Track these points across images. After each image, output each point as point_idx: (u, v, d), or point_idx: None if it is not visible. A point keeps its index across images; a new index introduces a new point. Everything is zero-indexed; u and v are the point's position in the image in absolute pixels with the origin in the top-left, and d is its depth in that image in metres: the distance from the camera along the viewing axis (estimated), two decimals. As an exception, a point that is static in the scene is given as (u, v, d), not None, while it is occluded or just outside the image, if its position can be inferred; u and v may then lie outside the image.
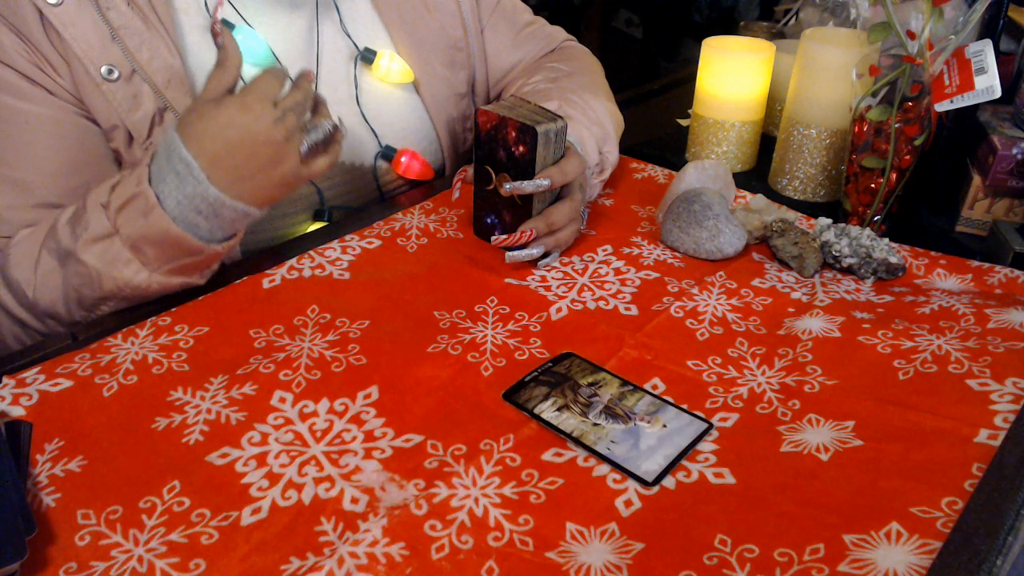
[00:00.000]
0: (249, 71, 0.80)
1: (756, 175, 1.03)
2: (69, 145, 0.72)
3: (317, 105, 0.68)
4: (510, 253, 0.75)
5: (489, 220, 0.79)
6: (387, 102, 0.90)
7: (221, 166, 0.63)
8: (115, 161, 0.76)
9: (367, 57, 0.88)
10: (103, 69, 0.70)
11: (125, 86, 0.72)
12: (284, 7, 0.83)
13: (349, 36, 0.88)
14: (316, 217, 0.87)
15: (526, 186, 0.72)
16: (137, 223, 0.64)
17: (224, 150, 0.63)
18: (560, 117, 0.74)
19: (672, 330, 0.68)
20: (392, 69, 0.89)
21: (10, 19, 0.68)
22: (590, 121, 0.86)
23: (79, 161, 0.73)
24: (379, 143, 0.89)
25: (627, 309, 0.71)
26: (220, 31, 0.70)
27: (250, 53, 0.79)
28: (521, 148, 0.72)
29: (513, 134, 0.72)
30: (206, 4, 0.78)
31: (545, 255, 0.77)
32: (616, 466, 0.54)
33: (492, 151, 0.75)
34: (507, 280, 0.75)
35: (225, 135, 0.63)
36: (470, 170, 0.80)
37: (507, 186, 0.73)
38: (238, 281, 0.74)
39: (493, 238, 0.76)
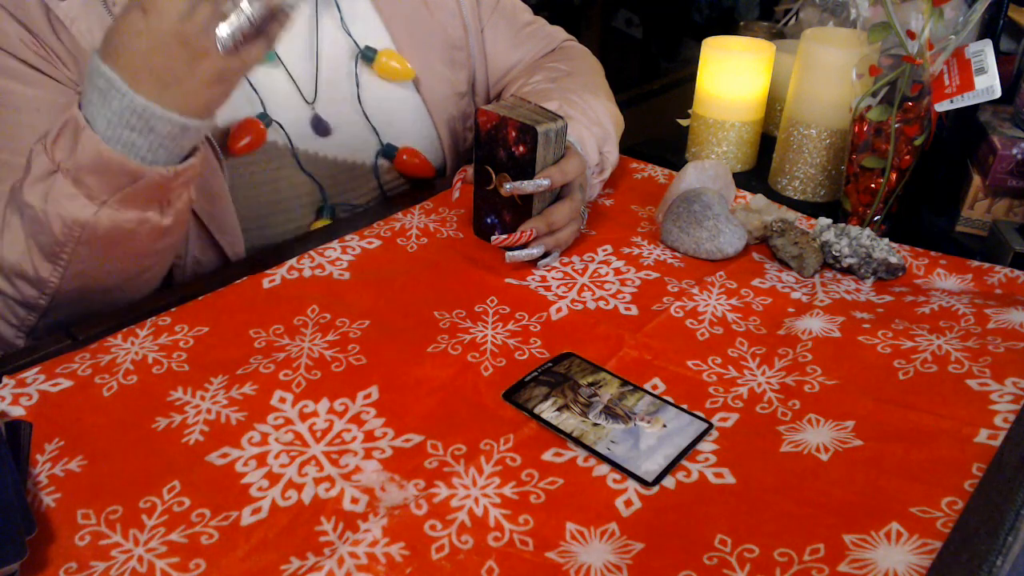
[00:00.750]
0: (255, 69, 0.80)
1: (756, 175, 1.03)
2: None
3: None
4: (510, 253, 0.75)
5: (489, 220, 0.79)
6: (388, 100, 0.90)
7: (141, 75, 0.59)
8: None
9: (368, 55, 0.88)
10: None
11: None
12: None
13: (350, 34, 0.88)
14: (318, 215, 0.87)
15: (526, 186, 0.72)
16: (71, 151, 0.60)
17: (140, 58, 0.59)
18: (560, 117, 0.74)
19: (672, 330, 0.68)
20: (392, 67, 0.89)
21: (15, 12, 0.68)
22: (590, 121, 0.86)
23: None
24: (380, 141, 0.90)
25: (627, 309, 0.71)
26: None
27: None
28: (521, 148, 0.72)
29: (513, 134, 0.72)
30: None
31: (545, 255, 0.77)
32: (616, 466, 0.54)
33: (492, 151, 0.75)
34: (507, 280, 0.75)
35: (136, 43, 0.59)
36: (470, 170, 0.80)
37: (507, 186, 0.73)
38: (238, 281, 0.74)
39: (493, 238, 0.76)
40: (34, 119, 0.70)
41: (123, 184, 0.62)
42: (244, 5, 0.59)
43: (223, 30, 0.59)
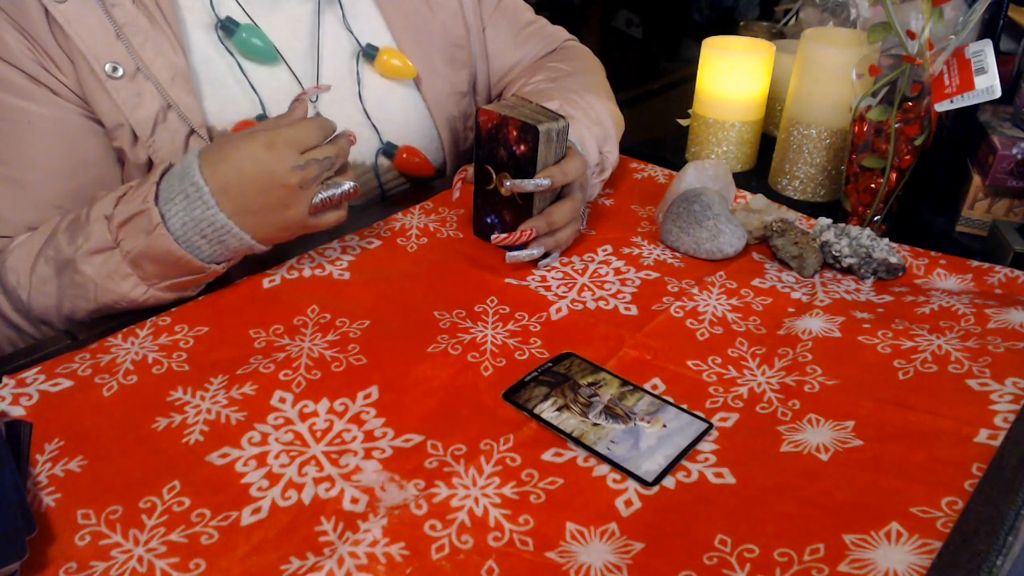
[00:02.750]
0: (253, 67, 0.80)
1: (756, 175, 1.03)
2: (71, 146, 0.72)
3: (345, 166, 0.70)
4: (510, 253, 0.75)
5: (489, 220, 0.79)
6: (388, 99, 0.90)
7: (231, 195, 0.64)
8: (118, 161, 0.76)
9: (369, 53, 0.88)
10: (107, 66, 0.71)
11: (129, 84, 0.72)
12: (288, 3, 0.83)
13: (352, 32, 0.88)
14: None
15: (527, 185, 0.72)
16: (139, 240, 0.64)
17: (237, 181, 0.64)
18: (562, 117, 0.74)
19: (672, 330, 0.68)
20: (394, 66, 0.89)
21: (14, 16, 0.68)
22: (591, 121, 0.86)
23: (81, 162, 0.73)
24: (380, 139, 0.90)
25: (627, 309, 0.71)
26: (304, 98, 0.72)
27: (253, 48, 0.79)
28: (522, 147, 0.72)
29: (514, 133, 0.72)
30: (211, 1, 0.78)
31: (545, 255, 0.77)
32: (616, 466, 0.54)
33: (493, 150, 0.75)
34: (507, 280, 0.75)
35: (242, 167, 0.64)
36: (470, 169, 0.80)
37: (507, 184, 0.73)
38: (238, 281, 0.74)
39: (493, 237, 0.76)
40: (34, 136, 0.70)
41: (179, 274, 0.67)
42: (345, 182, 0.69)
43: (320, 194, 0.68)
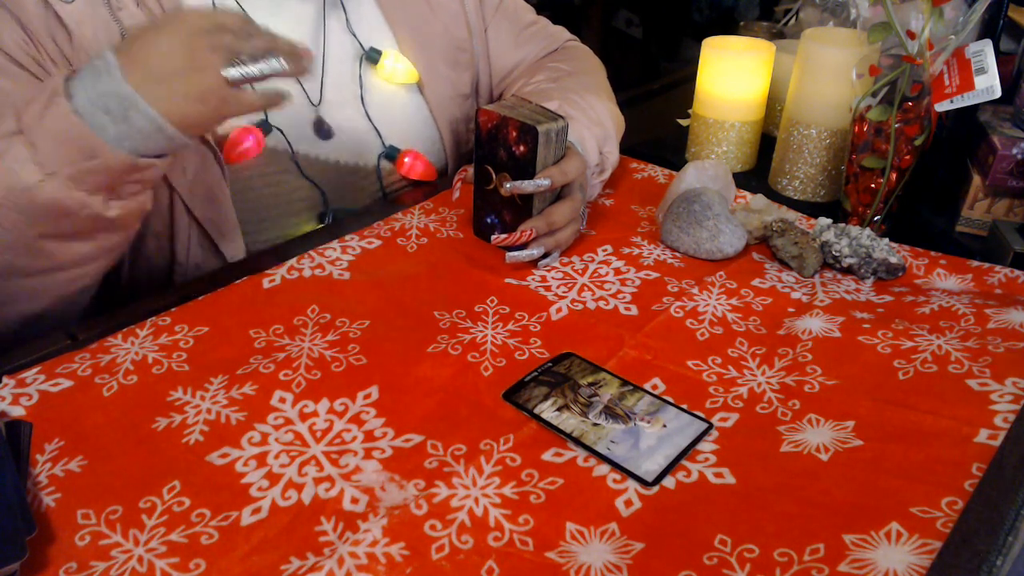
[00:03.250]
0: None
1: (756, 175, 1.03)
2: None
3: (286, 56, 0.63)
4: (510, 253, 0.75)
5: (489, 220, 0.79)
6: (391, 102, 0.90)
7: (137, 66, 0.59)
8: None
9: (372, 57, 0.88)
10: None
11: None
12: (290, 5, 0.83)
13: (355, 35, 0.88)
14: (320, 220, 0.87)
15: (526, 186, 0.72)
16: (40, 115, 0.59)
17: (142, 52, 0.60)
18: (561, 117, 0.74)
19: (672, 330, 0.68)
20: (397, 69, 0.89)
21: (15, 12, 0.67)
22: (591, 121, 0.86)
23: None
24: (383, 143, 0.90)
25: (627, 309, 0.71)
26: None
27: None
28: (522, 148, 0.72)
29: (514, 134, 0.72)
30: (214, 4, 0.78)
31: (545, 255, 0.77)
32: (616, 466, 0.54)
33: (493, 151, 0.75)
34: (507, 280, 0.75)
35: (148, 36, 0.60)
36: (470, 170, 0.80)
37: (507, 185, 0.73)
38: (238, 281, 0.74)
39: (493, 238, 0.76)
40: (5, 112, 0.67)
41: (78, 159, 0.60)
42: (265, 64, 0.62)
43: (232, 71, 0.61)
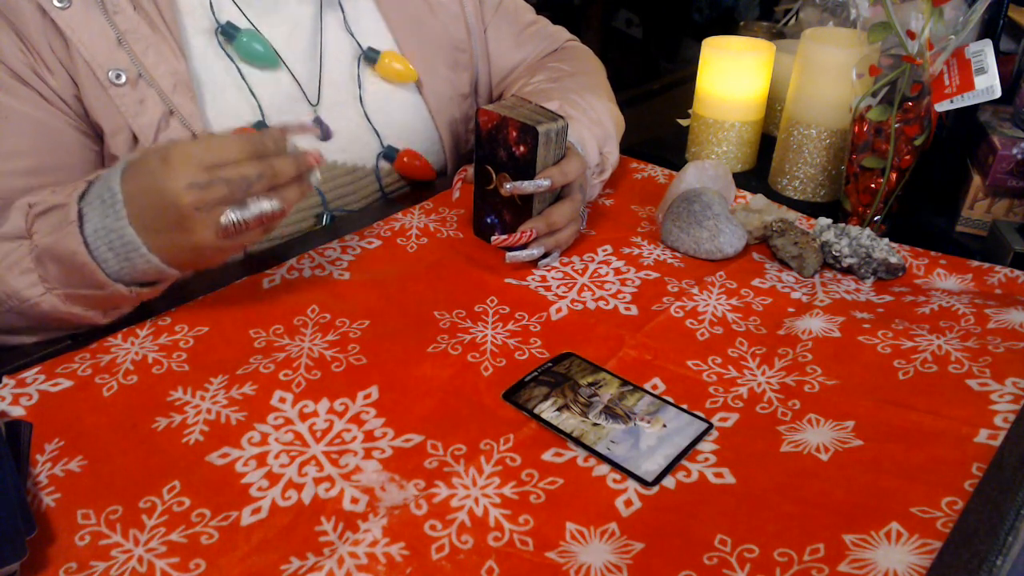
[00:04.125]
0: (253, 72, 0.80)
1: (756, 175, 1.03)
2: (44, 147, 0.70)
3: (284, 184, 0.62)
4: (510, 253, 0.75)
5: (489, 220, 0.79)
6: (390, 102, 0.90)
7: (135, 209, 0.59)
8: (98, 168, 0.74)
9: (371, 57, 0.88)
10: (110, 74, 0.70)
11: (132, 91, 0.72)
12: (288, 6, 0.83)
13: (353, 35, 0.88)
14: (318, 221, 0.87)
15: (526, 186, 0.72)
16: (49, 234, 0.60)
17: (139, 195, 0.59)
18: (561, 117, 0.74)
19: (672, 330, 0.68)
20: (395, 69, 0.89)
21: (10, 18, 0.67)
22: (591, 121, 0.86)
23: (48, 165, 0.70)
24: (381, 143, 0.89)
25: (627, 309, 0.71)
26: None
27: (254, 53, 0.79)
28: (522, 148, 0.72)
29: (514, 134, 0.72)
30: (211, 6, 0.78)
31: (545, 255, 0.77)
32: (616, 466, 0.54)
33: (493, 151, 0.75)
34: (507, 280, 0.75)
35: (141, 180, 0.59)
36: (470, 170, 0.80)
37: (507, 186, 0.73)
38: (238, 281, 0.74)
39: (493, 238, 0.76)
40: (11, 128, 0.69)
41: (81, 284, 0.62)
42: (264, 202, 0.60)
43: (228, 216, 0.59)
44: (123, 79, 0.71)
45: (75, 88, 0.71)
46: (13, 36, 0.68)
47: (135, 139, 0.73)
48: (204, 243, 0.60)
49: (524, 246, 0.75)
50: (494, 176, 0.76)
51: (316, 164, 0.64)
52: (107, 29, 0.70)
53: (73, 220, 0.59)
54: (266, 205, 0.61)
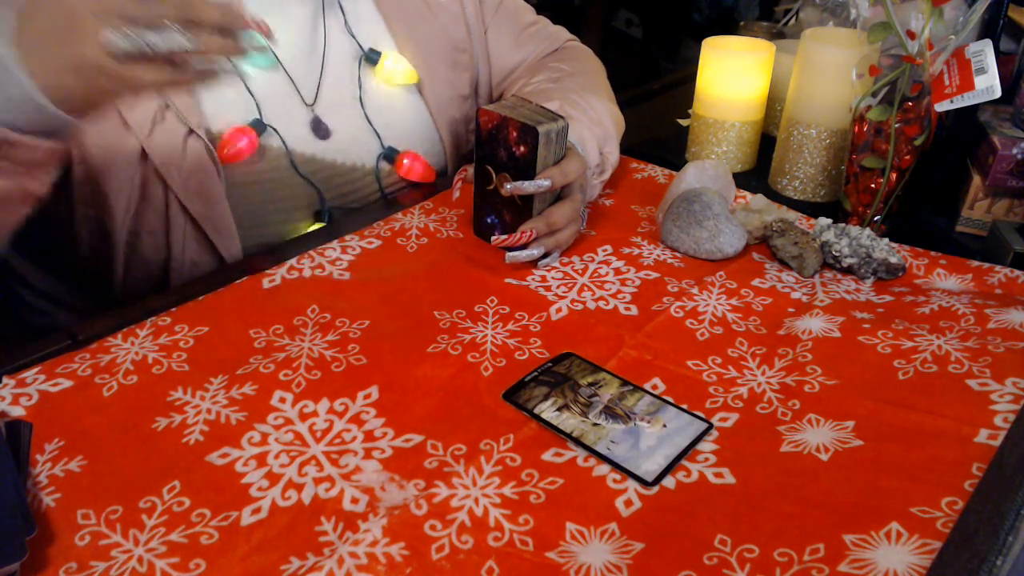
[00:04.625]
0: (253, 73, 0.80)
1: (756, 175, 1.03)
2: None
3: (200, 23, 0.54)
4: (510, 253, 0.75)
5: (489, 220, 0.79)
6: (390, 103, 0.90)
7: (23, 31, 0.53)
8: None
9: (371, 58, 0.88)
10: None
11: None
12: (287, 7, 0.83)
13: (354, 37, 0.88)
14: (316, 218, 0.87)
15: (527, 186, 0.72)
16: None
17: (32, 11, 0.53)
18: (561, 117, 0.74)
19: (672, 330, 0.68)
20: (396, 70, 0.89)
21: None
22: (591, 121, 0.86)
23: None
24: (382, 144, 0.89)
25: (627, 309, 0.71)
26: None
27: (253, 55, 0.79)
28: (522, 148, 0.72)
29: (514, 134, 0.72)
30: None
31: (545, 255, 0.77)
32: (616, 466, 0.54)
33: (493, 151, 0.75)
34: (507, 280, 0.75)
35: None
36: (471, 169, 0.80)
37: (508, 186, 0.73)
38: (238, 281, 0.74)
39: (493, 238, 0.76)
40: None
41: None
42: (179, 36, 0.53)
43: (116, 39, 0.52)
44: None
45: None
46: None
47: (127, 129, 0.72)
48: (88, 57, 0.52)
49: (524, 246, 0.75)
50: (494, 176, 0.76)
51: (256, 29, 0.57)
52: None
53: None
54: (176, 36, 0.53)
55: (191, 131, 0.75)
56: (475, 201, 0.80)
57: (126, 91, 0.57)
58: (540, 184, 0.72)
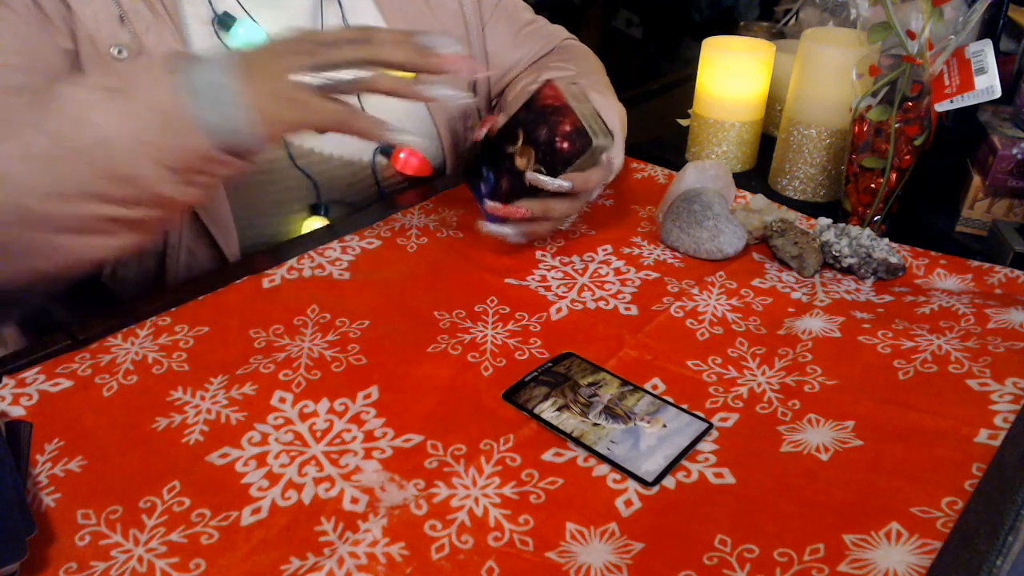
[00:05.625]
0: None
1: (756, 175, 1.03)
2: (33, 51, 0.68)
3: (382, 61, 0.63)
4: (488, 224, 0.74)
5: (484, 171, 0.77)
6: (387, 98, 0.90)
7: (243, 65, 0.61)
8: None
9: None
10: (113, 50, 0.71)
11: None
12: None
13: None
14: (313, 211, 0.87)
15: (547, 182, 0.72)
16: (140, 81, 0.59)
17: (241, 55, 0.62)
18: (611, 134, 0.73)
19: (672, 330, 0.68)
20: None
21: None
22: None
23: (41, 68, 0.68)
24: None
25: (627, 309, 0.71)
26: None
27: (249, 45, 0.79)
28: (566, 144, 0.71)
29: (567, 128, 0.71)
30: None
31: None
32: (616, 466, 0.54)
33: (536, 124, 0.73)
34: (507, 280, 0.75)
35: (246, 53, 0.62)
36: (500, 120, 0.77)
37: (529, 174, 0.72)
38: (238, 281, 0.74)
39: (488, 204, 0.74)
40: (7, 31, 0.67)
41: (164, 132, 0.59)
42: (357, 73, 0.62)
43: (309, 75, 0.61)
44: (125, 55, 0.71)
45: (74, 54, 0.70)
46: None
47: None
48: (286, 81, 0.61)
49: (505, 220, 0.74)
50: (519, 142, 0.74)
51: (463, 69, 0.64)
52: (110, 5, 0.71)
53: (168, 67, 0.59)
54: (360, 72, 0.63)
55: None
56: (482, 145, 0.77)
57: (314, 121, 0.64)
58: (561, 184, 0.72)
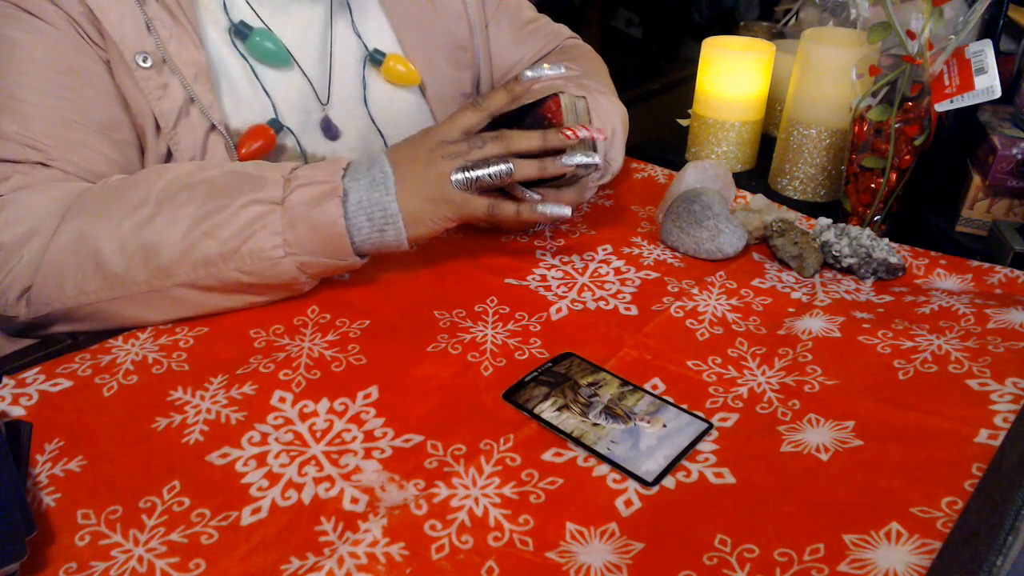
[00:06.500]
0: (265, 70, 0.80)
1: (756, 175, 1.03)
2: (68, 69, 0.71)
3: (515, 151, 0.69)
4: (548, 207, 0.73)
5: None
6: (393, 103, 0.90)
7: (400, 184, 0.68)
8: (138, 146, 0.76)
9: (376, 59, 0.88)
10: (137, 57, 0.72)
11: (156, 75, 0.73)
12: (300, 6, 0.83)
13: (360, 37, 0.88)
14: None
15: (537, 197, 0.74)
16: (308, 203, 0.65)
17: (399, 164, 0.68)
18: (595, 155, 0.73)
19: (672, 330, 0.68)
20: (399, 71, 0.89)
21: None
22: (602, 125, 0.86)
23: (77, 85, 0.71)
24: (385, 144, 0.90)
25: (627, 309, 0.71)
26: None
27: (266, 52, 0.79)
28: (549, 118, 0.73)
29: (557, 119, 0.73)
30: (224, 5, 0.79)
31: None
32: (616, 466, 0.54)
33: (525, 125, 0.74)
34: (507, 280, 0.75)
35: (403, 148, 0.70)
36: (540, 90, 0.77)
37: (562, 159, 0.72)
38: (238, 281, 0.73)
39: (567, 129, 0.72)
40: (98, 94, 0.72)
41: (321, 253, 0.66)
42: (502, 166, 0.69)
43: (458, 175, 0.69)
44: (149, 62, 0.72)
45: (107, 63, 0.73)
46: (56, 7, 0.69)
47: (156, 124, 0.74)
48: (439, 181, 0.68)
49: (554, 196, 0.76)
50: (546, 124, 0.74)
51: (572, 138, 0.71)
52: (137, 13, 0.71)
53: (339, 192, 0.66)
54: (501, 167, 0.69)
55: (213, 127, 0.75)
56: (508, 113, 0.75)
57: (466, 216, 0.71)
58: (533, 196, 0.73)
